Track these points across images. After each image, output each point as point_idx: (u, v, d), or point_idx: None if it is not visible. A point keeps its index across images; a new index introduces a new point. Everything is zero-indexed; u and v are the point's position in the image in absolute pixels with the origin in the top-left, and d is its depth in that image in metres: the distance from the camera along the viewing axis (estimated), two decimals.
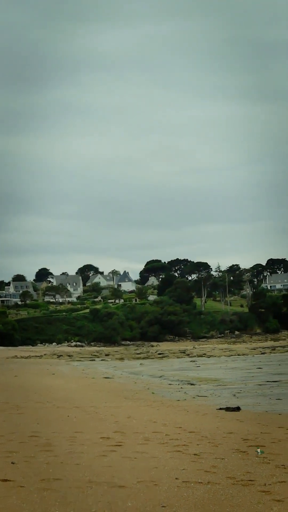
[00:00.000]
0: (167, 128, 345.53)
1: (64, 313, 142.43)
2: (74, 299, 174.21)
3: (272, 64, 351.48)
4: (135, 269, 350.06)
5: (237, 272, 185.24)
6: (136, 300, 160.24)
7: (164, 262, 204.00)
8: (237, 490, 10.11)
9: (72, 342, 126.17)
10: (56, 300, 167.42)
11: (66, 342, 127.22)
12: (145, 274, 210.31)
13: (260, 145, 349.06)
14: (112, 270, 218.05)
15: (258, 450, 10.16)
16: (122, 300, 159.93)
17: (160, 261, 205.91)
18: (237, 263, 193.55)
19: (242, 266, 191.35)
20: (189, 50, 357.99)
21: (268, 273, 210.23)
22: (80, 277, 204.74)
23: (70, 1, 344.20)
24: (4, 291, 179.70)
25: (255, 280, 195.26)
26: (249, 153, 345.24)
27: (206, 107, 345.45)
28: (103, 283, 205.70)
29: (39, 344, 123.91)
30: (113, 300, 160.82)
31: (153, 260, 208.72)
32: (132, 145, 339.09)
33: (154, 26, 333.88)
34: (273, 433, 16.44)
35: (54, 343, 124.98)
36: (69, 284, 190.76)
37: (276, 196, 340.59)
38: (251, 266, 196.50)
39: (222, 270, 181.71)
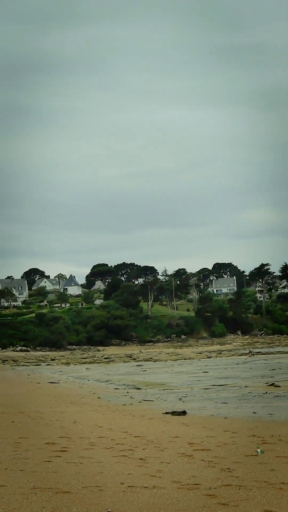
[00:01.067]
0: (113, 132, 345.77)
1: (9, 318, 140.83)
2: (20, 303, 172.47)
3: (217, 69, 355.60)
4: (81, 273, 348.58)
5: (183, 276, 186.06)
6: (82, 304, 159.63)
7: (111, 266, 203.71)
8: (182, 494, 10.11)
9: (17, 347, 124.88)
10: (1, 304, 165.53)
11: (11, 346, 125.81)
12: (91, 278, 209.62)
13: (206, 149, 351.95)
14: (58, 274, 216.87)
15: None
16: (68, 304, 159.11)
17: (106, 265, 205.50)
18: (184, 267, 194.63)
19: (188, 270, 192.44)
20: (137, 53, 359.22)
21: (214, 278, 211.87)
22: (26, 281, 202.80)
23: (15, 1, 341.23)
24: None
25: (202, 284, 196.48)
26: (195, 157, 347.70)
27: (153, 111, 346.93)
28: (49, 287, 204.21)
29: None
30: (59, 305, 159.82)
31: (99, 264, 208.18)
32: (78, 148, 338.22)
33: (102, 28, 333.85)
34: (218, 436, 16.53)
35: None
36: (14, 288, 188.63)
37: (222, 200, 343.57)
38: (198, 270, 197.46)
39: (169, 274, 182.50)
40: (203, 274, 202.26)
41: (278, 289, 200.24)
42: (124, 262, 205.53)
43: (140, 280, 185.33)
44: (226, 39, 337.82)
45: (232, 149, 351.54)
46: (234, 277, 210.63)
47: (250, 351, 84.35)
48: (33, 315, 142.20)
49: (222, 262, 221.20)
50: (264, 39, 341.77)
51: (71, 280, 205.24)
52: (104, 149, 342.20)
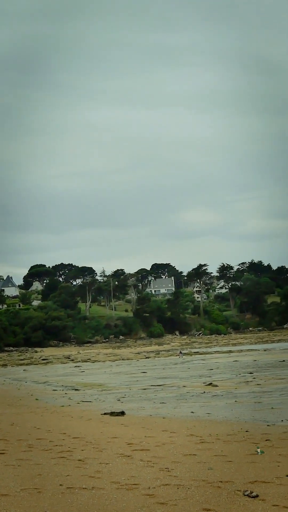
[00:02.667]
0: (49, 131, 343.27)
1: None
2: None
3: (153, 68, 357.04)
4: (18, 273, 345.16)
5: (121, 277, 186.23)
6: (19, 306, 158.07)
7: (49, 267, 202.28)
8: (121, 495, 10.13)
9: None
10: None
11: None
12: (29, 279, 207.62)
13: (141, 150, 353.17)
14: None
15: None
16: (5, 306, 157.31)
17: (44, 265, 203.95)
18: (122, 268, 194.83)
19: (126, 271, 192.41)
20: (71, 52, 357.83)
21: (153, 278, 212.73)
22: None
23: None
24: None
25: (140, 285, 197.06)
26: (131, 158, 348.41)
27: (88, 111, 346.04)
28: None
29: None
30: None
31: (37, 264, 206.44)
32: (14, 148, 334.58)
33: (35, 26, 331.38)
34: (157, 436, 16.60)
35: None
36: None
37: (159, 201, 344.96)
38: (136, 271, 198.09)
39: (107, 275, 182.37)
40: (141, 274, 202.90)
41: (216, 290, 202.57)
42: (62, 263, 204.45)
43: (78, 281, 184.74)
44: (161, 39, 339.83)
45: (167, 150, 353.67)
46: (172, 277, 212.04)
47: (180, 352, 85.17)
48: None
49: (160, 263, 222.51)
50: (198, 40, 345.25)
51: (8, 281, 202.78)
52: (40, 149, 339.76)
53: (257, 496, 9.87)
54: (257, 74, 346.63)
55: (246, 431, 17.22)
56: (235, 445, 14.98)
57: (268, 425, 18.56)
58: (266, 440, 15.50)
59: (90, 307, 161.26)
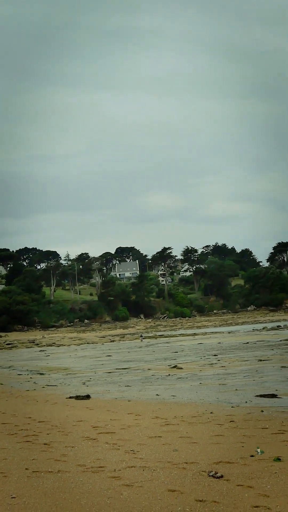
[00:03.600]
0: (13, 115, 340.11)
1: None
2: None
3: (117, 51, 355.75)
4: None
5: (86, 260, 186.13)
6: None
7: (12, 251, 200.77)
8: (87, 477, 10.17)
9: None
10: None
11: None
12: None
13: (105, 134, 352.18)
14: None
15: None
16: None
17: (8, 250, 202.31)
18: (86, 252, 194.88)
19: (91, 255, 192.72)
20: (30, 35, 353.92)
21: (117, 262, 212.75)
22: None
23: None
24: None
25: (104, 268, 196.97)
26: (94, 141, 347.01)
27: (51, 94, 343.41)
28: None
29: None
30: None
31: (0, 249, 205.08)
32: None
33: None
34: (122, 419, 16.67)
35: None
36: None
37: (122, 185, 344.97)
38: (100, 254, 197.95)
39: (71, 258, 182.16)
40: (106, 258, 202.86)
41: (180, 273, 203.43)
42: (26, 247, 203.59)
43: (43, 265, 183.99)
44: (123, 22, 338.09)
45: (130, 134, 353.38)
46: (137, 261, 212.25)
47: (141, 335, 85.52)
48: None
49: (124, 246, 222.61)
50: (161, 23, 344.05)
51: None
52: (1, 133, 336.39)
53: (221, 476, 9.99)
54: (220, 58, 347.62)
55: (211, 413, 17.37)
56: (200, 426, 15.11)
57: (232, 407, 18.75)
58: (231, 421, 15.66)
59: (54, 291, 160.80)
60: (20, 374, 38.10)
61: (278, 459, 11.07)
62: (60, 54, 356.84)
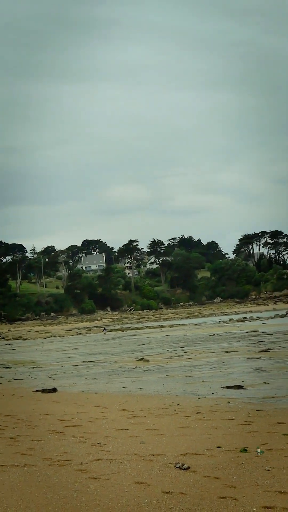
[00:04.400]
0: None
1: None
2: None
3: (82, 42, 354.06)
4: None
5: (52, 253, 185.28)
6: None
7: None
8: (53, 471, 10.12)
9: None
10: None
11: None
12: None
13: (69, 126, 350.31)
14: None
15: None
16: None
17: None
18: (52, 245, 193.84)
19: (57, 248, 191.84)
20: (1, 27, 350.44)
21: (83, 254, 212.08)
22: None
23: None
24: None
25: (71, 261, 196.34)
26: (59, 133, 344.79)
27: (12, 85, 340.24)
28: None
29: None
30: None
31: None
32: None
33: None
34: (89, 412, 16.64)
35: None
36: None
37: (88, 177, 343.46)
38: (66, 247, 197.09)
39: (37, 251, 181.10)
40: (72, 251, 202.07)
41: (147, 265, 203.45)
42: None
43: (8, 258, 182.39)
44: (89, 12, 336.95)
45: (95, 125, 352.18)
46: (103, 253, 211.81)
47: (104, 329, 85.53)
48: None
49: (90, 239, 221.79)
50: (127, 13, 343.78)
51: None
52: None
53: (188, 468, 10.01)
54: (188, 49, 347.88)
55: (178, 405, 17.42)
56: (167, 418, 15.14)
57: (199, 398, 18.82)
58: (197, 413, 15.72)
59: (20, 284, 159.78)
60: None
61: (244, 450, 11.14)
62: (23, 44, 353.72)
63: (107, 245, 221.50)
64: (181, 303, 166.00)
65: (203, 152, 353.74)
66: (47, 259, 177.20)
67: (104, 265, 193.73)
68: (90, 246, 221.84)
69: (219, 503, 8.21)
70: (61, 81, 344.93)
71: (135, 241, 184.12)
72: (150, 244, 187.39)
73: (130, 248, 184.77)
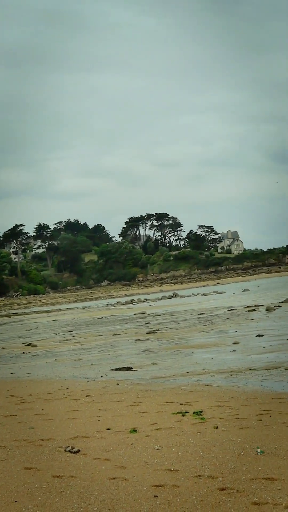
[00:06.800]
0: None
1: None
2: None
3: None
4: None
5: None
6: None
7: None
8: None
9: None
10: None
11: None
12: None
13: None
14: None
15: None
16: None
17: None
18: None
19: None
20: None
21: None
22: None
23: None
24: None
25: None
26: None
27: None
28: None
29: None
30: None
31: None
32: None
33: None
34: None
35: None
36: None
37: None
38: None
39: None
40: None
41: (33, 250, 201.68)
42: None
43: None
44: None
45: None
46: None
47: None
48: None
49: None
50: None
51: None
52: None
53: (78, 451, 10.00)
54: (66, 30, 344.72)
55: (67, 389, 17.36)
56: (56, 403, 15.06)
57: (88, 381, 18.83)
58: (87, 396, 15.72)
59: None
60: None
61: (134, 431, 11.23)
62: None
63: None
64: (69, 287, 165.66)
65: (87, 135, 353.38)
66: None
67: None
68: None
69: (109, 484, 8.24)
70: None
71: (21, 225, 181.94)
72: (36, 228, 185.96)
73: (15, 232, 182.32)
